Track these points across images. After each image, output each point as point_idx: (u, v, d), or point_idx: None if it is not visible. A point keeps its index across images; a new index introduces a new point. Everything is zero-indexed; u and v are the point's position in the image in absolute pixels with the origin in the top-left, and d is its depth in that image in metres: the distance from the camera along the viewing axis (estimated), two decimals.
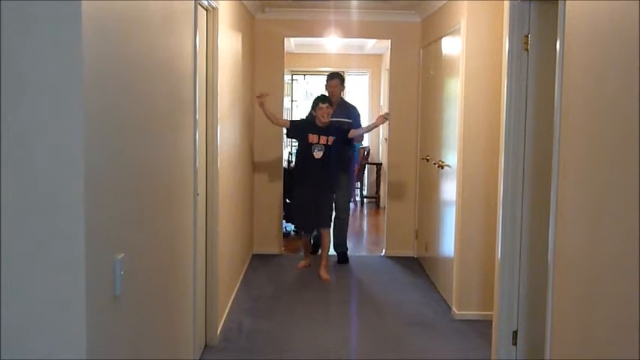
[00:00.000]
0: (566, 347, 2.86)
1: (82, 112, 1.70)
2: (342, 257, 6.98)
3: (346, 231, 7.03)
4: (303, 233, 6.65)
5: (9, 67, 1.68)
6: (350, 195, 7.20)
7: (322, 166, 6.15)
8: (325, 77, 7.00)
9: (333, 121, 6.41)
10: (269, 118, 6.19)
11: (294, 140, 7.66)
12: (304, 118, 7.02)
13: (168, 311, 2.87)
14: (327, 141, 6.15)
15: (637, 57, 2.20)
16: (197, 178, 3.45)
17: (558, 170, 3.00)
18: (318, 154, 6.12)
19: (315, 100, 6.32)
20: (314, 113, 6.27)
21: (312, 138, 6.14)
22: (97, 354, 1.84)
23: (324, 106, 6.16)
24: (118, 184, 2.04)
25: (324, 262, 6.30)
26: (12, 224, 1.70)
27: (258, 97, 6.12)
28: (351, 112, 6.95)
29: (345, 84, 7.37)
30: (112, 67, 1.96)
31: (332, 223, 6.68)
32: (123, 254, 2.03)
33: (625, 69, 2.32)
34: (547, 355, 3.06)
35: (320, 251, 6.53)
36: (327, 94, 6.59)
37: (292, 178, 6.48)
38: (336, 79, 6.82)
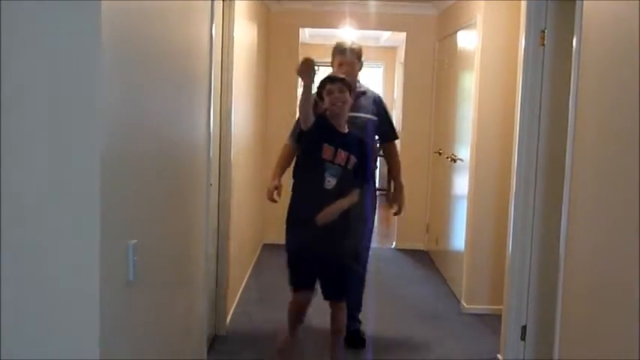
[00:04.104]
0: (576, 344, 2.87)
1: (100, 100, 1.72)
2: (354, 337, 4.35)
3: (361, 296, 4.47)
4: (293, 292, 3.72)
5: (25, 54, 1.70)
6: (369, 241, 4.49)
7: (334, 202, 3.52)
8: (333, 51, 4.30)
9: (353, 118, 3.94)
10: (303, 106, 3.53)
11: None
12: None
13: (179, 299, 2.89)
14: (347, 160, 3.54)
15: None
16: (210, 166, 3.47)
17: (572, 166, 2.99)
18: (330, 181, 3.50)
19: (322, 81, 3.65)
20: (321, 104, 3.62)
21: (327, 150, 3.50)
22: (110, 339, 1.86)
23: (335, 87, 3.57)
24: (133, 171, 2.06)
25: (336, 349, 3.82)
26: (28, 210, 1.72)
27: (304, 63, 3.39)
28: (376, 105, 4.35)
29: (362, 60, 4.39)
30: (130, 54, 1.98)
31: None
32: (136, 240, 2.05)
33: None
34: (556, 351, 3.07)
35: (332, 329, 3.79)
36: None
37: (289, 209, 3.69)
38: (351, 54, 4.24)
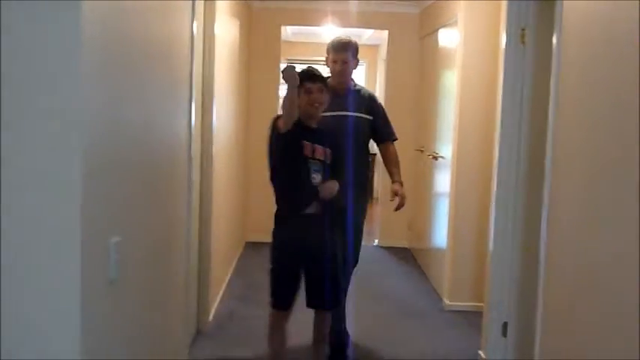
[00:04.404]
0: (556, 340, 2.90)
1: (82, 99, 1.71)
2: (338, 345, 4.15)
3: (344, 307, 4.14)
4: (274, 308, 3.53)
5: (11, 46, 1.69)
6: (359, 248, 4.24)
7: (318, 202, 3.45)
8: (328, 47, 4.06)
9: (343, 117, 3.95)
10: (288, 110, 3.29)
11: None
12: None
13: (162, 296, 2.89)
14: (325, 154, 3.50)
15: (632, 54, 2.22)
16: (192, 165, 3.46)
17: (552, 164, 3.02)
18: (315, 177, 3.44)
19: (302, 75, 3.34)
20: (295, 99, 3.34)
21: (306, 147, 3.44)
22: (92, 338, 1.85)
23: (315, 87, 3.44)
24: (115, 169, 2.05)
25: (319, 357, 3.71)
26: (8, 206, 1.71)
27: (287, 70, 3.17)
28: (371, 102, 4.18)
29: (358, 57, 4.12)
30: (111, 53, 1.97)
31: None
32: (119, 238, 2.04)
33: (620, 66, 2.34)
34: (537, 347, 3.10)
35: (315, 338, 3.69)
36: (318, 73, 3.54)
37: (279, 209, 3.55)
38: (347, 51, 3.99)
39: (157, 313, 2.79)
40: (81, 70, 1.71)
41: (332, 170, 3.53)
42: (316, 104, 3.45)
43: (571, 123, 2.84)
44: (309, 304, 3.52)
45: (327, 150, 3.50)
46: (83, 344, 1.78)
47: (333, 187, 3.46)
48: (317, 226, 3.45)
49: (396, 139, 4.25)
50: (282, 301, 3.49)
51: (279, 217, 3.53)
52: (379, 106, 4.24)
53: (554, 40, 3.05)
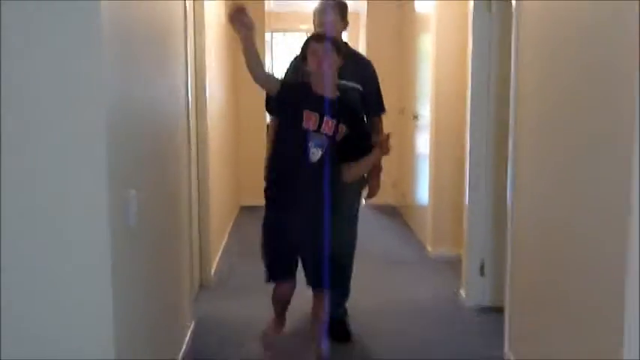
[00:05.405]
0: (523, 278, 3.24)
1: (104, 78, 2.03)
2: (340, 328, 3.89)
3: (348, 283, 4.01)
4: (271, 280, 3.36)
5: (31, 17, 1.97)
6: (356, 222, 4.00)
7: (320, 177, 3.14)
8: (314, 10, 3.83)
9: (344, 85, 3.49)
10: (249, 65, 3.09)
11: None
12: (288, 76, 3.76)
13: (171, 247, 3.23)
14: (335, 129, 3.14)
15: (575, 17, 2.55)
16: (190, 132, 3.79)
17: (515, 124, 3.35)
18: (315, 153, 3.10)
19: (307, 40, 3.28)
20: (305, 67, 3.25)
21: (309, 118, 3.10)
22: (118, 276, 2.15)
23: (321, 47, 3.15)
24: (129, 134, 2.35)
25: (318, 337, 3.45)
26: (46, 162, 2.02)
27: (233, 14, 3.03)
28: (364, 69, 3.87)
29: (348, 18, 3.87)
30: (122, 33, 2.27)
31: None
32: (135, 191, 2.37)
33: (564, 27, 2.67)
34: (507, 284, 3.46)
35: (313, 318, 3.45)
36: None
37: (267, 189, 3.33)
38: (333, 12, 3.74)
39: (168, 262, 3.13)
40: (103, 51, 2.01)
41: (342, 147, 3.18)
42: (325, 64, 3.11)
43: (529, 81, 3.15)
44: (307, 282, 3.35)
45: (342, 126, 3.13)
46: (112, 281, 2.08)
47: (359, 171, 3.33)
48: (312, 187, 3.15)
49: (384, 111, 3.94)
50: (275, 273, 3.32)
51: (268, 196, 3.30)
52: (372, 74, 3.91)
53: (514, 9, 3.35)
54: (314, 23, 3.81)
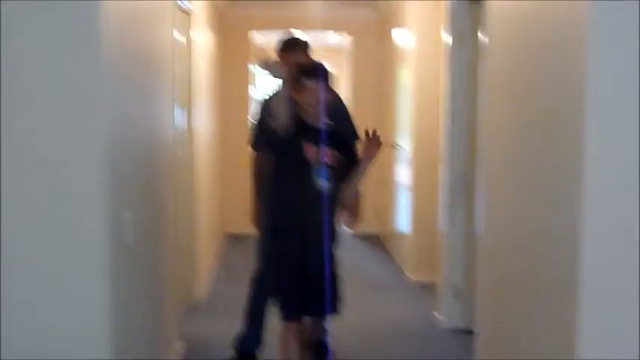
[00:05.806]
0: (492, 296, 3.38)
1: (101, 107, 2.22)
2: (320, 348, 3.85)
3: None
4: (285, 318, 3.21)
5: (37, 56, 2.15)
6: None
7: (325, 207, 3.11)
8: (276, 47, 3.84)
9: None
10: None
11: None
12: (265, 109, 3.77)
13: (161, 268, 3.37)
14: (331, 157, 3.16)
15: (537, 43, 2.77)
16: (177, 159, 3.95)
17: (485, 156, 3.52)
18: (321, 183, 3.10)
19: (298, 72, 3.19)
20: (292, 96, 3.23)
21: (309, 150, 3.12)
22: (117, 292, 2.32)
23: (313, 85, 3.09)
24: (126, 158, 2.53)
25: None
26: (47, 186, 2.18)
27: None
28: (334, 106, 3.43)
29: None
30: (118, 59, 2.45)
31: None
32: (131, 213, 2.55)
33: (529, 56, 2.88)
34: (479, 307, 3.62)
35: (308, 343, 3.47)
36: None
37: (271, 224, 3.31)
38: (298, 48, 3.78)
39: (157, 280, 3.28)
40: (101, 76, 2.18)
41: (341, 172, 3.19)
42: (315, 102, 3.11)
43: (496, 116, 3.31)
44: (310, 312, 3.29)
45: (334, 152, 3.15)
46: (111, 297, 2.25)
47: (352, 188, 3.29)
48: (316, 236, 3.12)
49: (357, 139, 3.68)
50: (289, 309, 3.18)
51: (271, 231, 3.27)
52: (343, 107, 3.91)
53: (484, 38, 3.56)
54: (280, 58, 3.77)
